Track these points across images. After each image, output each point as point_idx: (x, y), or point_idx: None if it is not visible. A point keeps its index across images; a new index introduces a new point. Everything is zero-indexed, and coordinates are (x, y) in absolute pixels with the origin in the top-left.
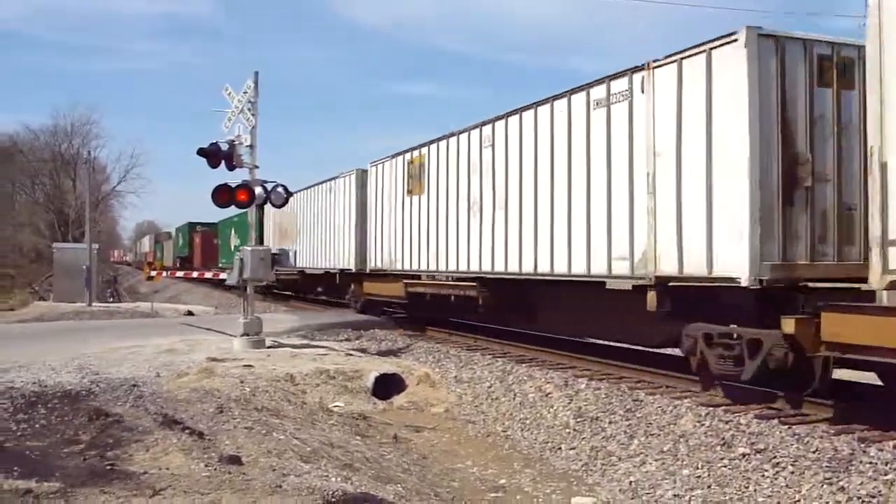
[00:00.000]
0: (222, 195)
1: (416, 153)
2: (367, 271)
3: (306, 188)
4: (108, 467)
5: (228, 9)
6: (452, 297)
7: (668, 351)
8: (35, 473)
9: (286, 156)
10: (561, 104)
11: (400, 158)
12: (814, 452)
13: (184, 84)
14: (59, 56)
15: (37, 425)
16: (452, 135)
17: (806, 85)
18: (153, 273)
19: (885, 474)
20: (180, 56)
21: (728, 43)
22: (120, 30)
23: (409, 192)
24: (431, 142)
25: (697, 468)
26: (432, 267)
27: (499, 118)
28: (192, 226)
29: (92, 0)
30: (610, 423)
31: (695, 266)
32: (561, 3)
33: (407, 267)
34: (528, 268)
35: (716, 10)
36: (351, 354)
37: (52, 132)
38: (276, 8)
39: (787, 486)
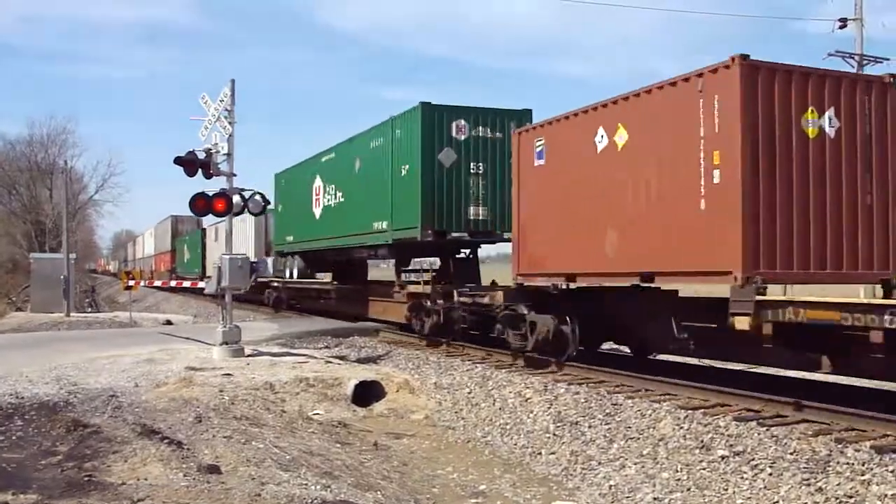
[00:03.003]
0: (200, 203)
1: None
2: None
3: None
4: (86, 478)
5: (207, 16)
6: None
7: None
8: (11, 486)
9: (268, 161)
10: None
11: None
12: (792, 454)
13: (162, 91)
14: (37, 64)
15: (13, 437)
16: None
17: None
18: (131, 282)
19: (862, 474)
20: (160, 63)
21: None
22: (99, 37)
23: None
24: None
25: (677, 471)
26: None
27: None
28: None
29: (70, 8)
30: (589, 427)
31: None
32: (547, 8)
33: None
34: None
35: (689, 14)
36: (330, 362)
37: (29, 142)
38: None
39: (765, 487)
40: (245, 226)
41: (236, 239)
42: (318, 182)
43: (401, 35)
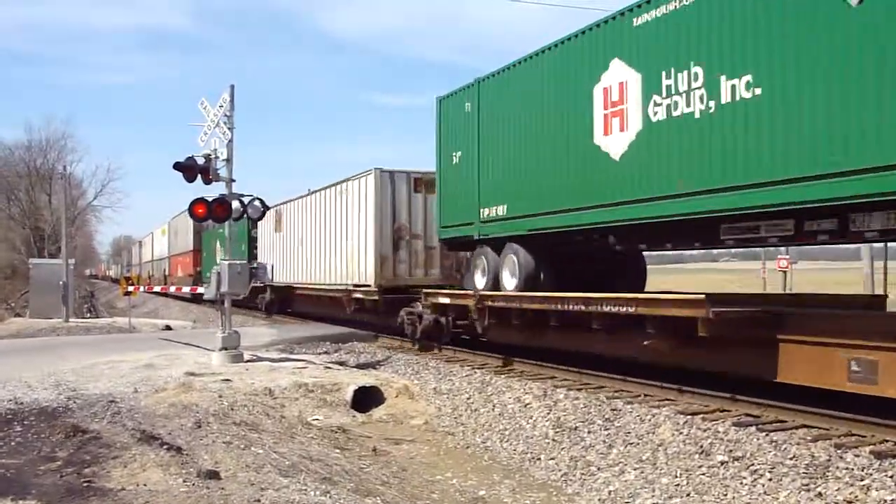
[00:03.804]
0: (199, 209)
1: None
2: None
3: None
4: (85, 484)
5: (205, 23)
6: None
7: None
8: (10, 492)
9: (266, 166)
10: None
11: None
12: (791, 459)
13: (161, 96)
14: (36, 70)
15: (13, 443)
16: None
17: None
18: (130, 288)
19: (862, 479)
20: (158, 69)
21: None
22: (98, 44)
23: None
24: None
25: (676, 476)
26: None
27: None
28: None
29: (69, 14)
30: (589, 432)
31: None
32: (546, 14)
33: None
34: None
35: None
36: (330, 367)
37: (27, 147)
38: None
39: (765, 492)
40: (356, 196)
41: (347, 220)
42: (622, 74)
43: (399, 39)
